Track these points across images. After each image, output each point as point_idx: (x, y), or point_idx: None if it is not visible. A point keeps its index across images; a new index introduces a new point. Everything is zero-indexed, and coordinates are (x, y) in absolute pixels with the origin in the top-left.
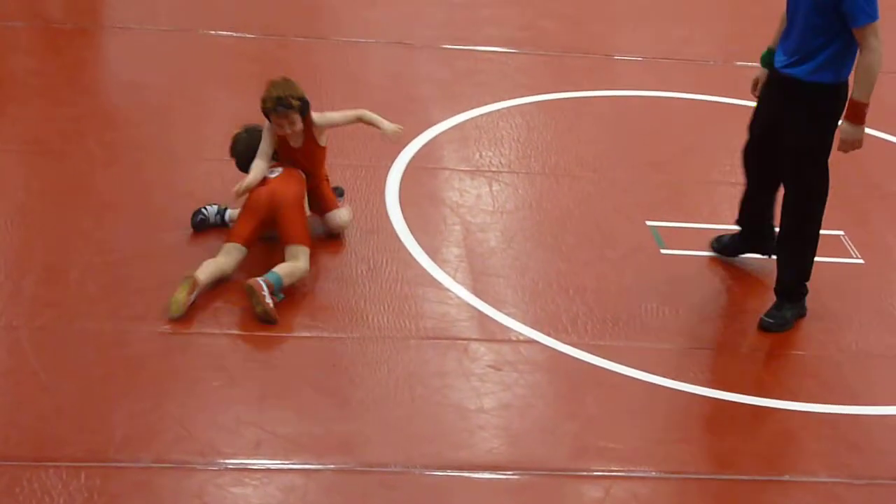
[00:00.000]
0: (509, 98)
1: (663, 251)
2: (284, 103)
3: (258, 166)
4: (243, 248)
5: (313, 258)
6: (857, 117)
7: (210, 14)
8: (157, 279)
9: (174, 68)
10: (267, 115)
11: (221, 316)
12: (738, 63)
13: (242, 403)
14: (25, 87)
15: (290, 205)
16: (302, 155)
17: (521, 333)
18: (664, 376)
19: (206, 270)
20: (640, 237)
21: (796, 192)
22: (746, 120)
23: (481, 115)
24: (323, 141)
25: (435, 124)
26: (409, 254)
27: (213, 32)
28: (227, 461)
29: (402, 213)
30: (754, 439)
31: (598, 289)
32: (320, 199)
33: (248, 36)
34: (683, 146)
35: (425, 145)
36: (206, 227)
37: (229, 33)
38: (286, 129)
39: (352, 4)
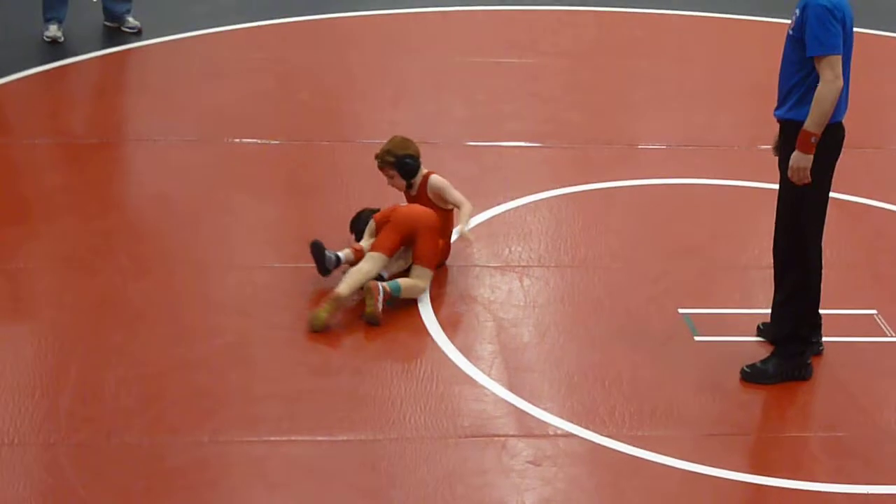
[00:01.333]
0: (536, 192)
1: (697, 338)
2: (381, 158)
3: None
4: (386, 258)
5: (351, 351)
6: (804, 146)
7: (234, 122)
8: (191, 390)
9: (200, 177)
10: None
11: (259, 423)
12: (762, 146)
13: None
14: (53, 203)
15: (429, 227)
16: (419, 202)
17: (558, 427)
18: (704, 464)
19: (349, 283)
20: (673, 325)
21: (787, 238)
22: (772, 203)
23: (508, 211)
24: (441, 203)
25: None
26: (443, 352)
27: (237, 140)
28: None
29: (434, 311)
30: None
31: (634, 379)
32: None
33: (272, 142)
34: (711, 232)
35: (454, 242)
36: (333, 266)
37: (254, 140)
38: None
39: (374, 107)
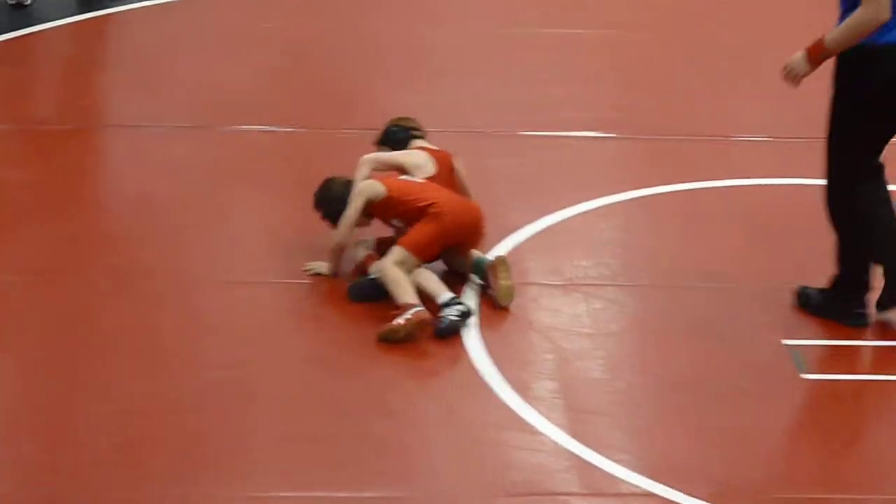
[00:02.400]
0: (604, 194)
1: (804, 376)
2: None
3: None
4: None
5: (378, 387)
6: (812, 53)
7: (233, 106)
8: (178, 434)
9: (191, 173)
10: None
11: (262, 477)
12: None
13: None
14: (14, 203)
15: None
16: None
17: (633, 485)
18: None
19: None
20: (776, 359)
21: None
22: None
23: (571, 217)
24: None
25: (516, 230)
26: (492, 390)
27: (237, 128)
28: None
29: (483, 339)
30: None
31: (727, 426)
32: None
33: (279, 130)
34: (826, 245)
35: (506, 256)
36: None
37: (256, 128)
38: None
39: (400, 88)
